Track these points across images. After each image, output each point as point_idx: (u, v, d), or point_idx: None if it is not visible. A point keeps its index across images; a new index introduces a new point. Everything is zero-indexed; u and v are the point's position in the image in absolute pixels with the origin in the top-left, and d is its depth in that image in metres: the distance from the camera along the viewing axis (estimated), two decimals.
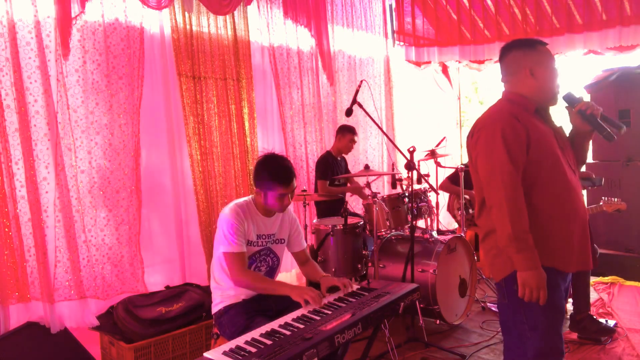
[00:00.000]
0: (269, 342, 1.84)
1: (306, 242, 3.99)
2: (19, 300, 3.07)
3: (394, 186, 4.17)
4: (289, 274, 4.68)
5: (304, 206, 3.86)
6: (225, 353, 1.78)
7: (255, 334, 1.94)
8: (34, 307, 3.13)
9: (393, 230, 4.00)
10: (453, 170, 5.03)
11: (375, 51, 5.82)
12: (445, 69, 6.52)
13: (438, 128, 6.54)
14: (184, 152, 3.94)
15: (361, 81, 3.83)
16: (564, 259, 1.92)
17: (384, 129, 5.68)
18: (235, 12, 4.23)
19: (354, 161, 5.44)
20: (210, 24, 4.07)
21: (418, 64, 6.29)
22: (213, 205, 4.01)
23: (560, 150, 1.98)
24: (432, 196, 4.41)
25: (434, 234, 3.95)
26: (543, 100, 2.02)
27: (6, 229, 3.00)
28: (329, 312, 2.14)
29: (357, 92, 3.67)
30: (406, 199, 4.04)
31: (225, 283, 2.48)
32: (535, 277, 1.81)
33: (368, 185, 4.18)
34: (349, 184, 4.70)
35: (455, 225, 5.42)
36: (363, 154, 5.63)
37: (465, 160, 6.55)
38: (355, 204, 5.18)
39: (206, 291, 3.36)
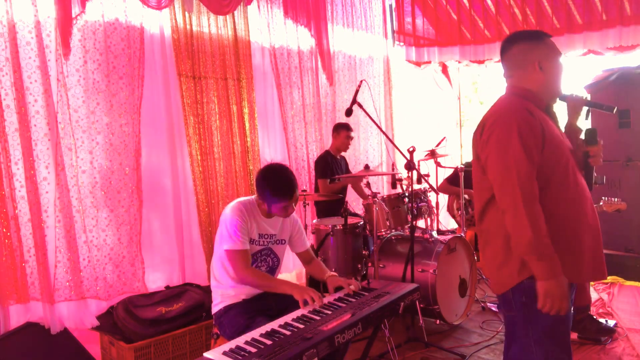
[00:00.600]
0: (269, 342, 1.84)
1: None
2: (18, 301, 3.07)
3: (394, 186, 4.17)
4: (290, 275, 4.68)
5: (304, 206, 3.86)
6: (225, 353, 1.78)
7: (255, 334, 1.94)
8: (33, 307, 3.13)
9: (393, 230, 3.99)
10: (452, 171, 5.04)
11: (375, 51, 5.82)
12: (445, 69, 6.52)
13: (438, 128, 6.54)
14: (184, 152, 3.94)
15: (361, 81, 3.83)
16: (575, 268, 1.78)
17: (384, 129, 5.68)
18: (236, 12, 4.23)
19: (355, 161, 5.44)
20: (210, 24, 4.07)
21: (418, 63, 6.29)
22: (213, 205, 4.02)
23: (571, 151, 1.87)
24: (432, 196, 4.41)
25: (434, 234, 3.95)
26: (549, 95, 1.93)
27: (5, 230, 2.99)
28: (329, 312, 2.14)
29: (357, 92, 3.67)
30: (406, 199, 4.04)
31: (226, 282, 2.48)
32: (559, 287, 1.66)
33: (368, 185, 4.18)
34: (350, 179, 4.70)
35: (455, 226, 5.42)
36: (364, 154, 5.63)
37: (465, 160, 6.55)
38: (355, 204, 5.18)
39: (206, 291, 3.36)
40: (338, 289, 2.45)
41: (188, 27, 3.91)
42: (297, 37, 4.81)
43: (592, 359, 3.14)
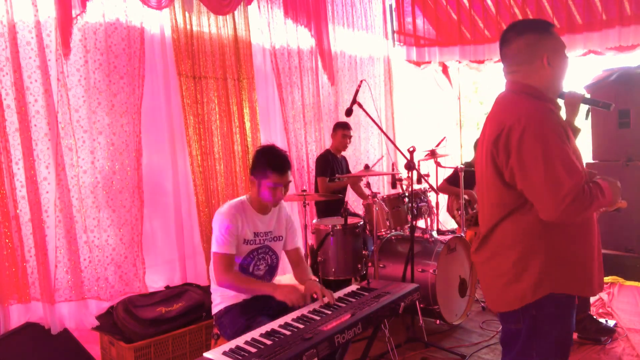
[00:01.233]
0: (269, 342, 1.84)
1: (306, 242, 4.02)
2: (19, 301, 3.07)
3: (394, 186, 4.17)
4: (290, 276, 4.67)
5: (304, 206, 3.86)
6: (225, 353, 1.78)
7: (255, 334, 1.94)
8: (34, 307, 3.14)
9: (393, 230, 3.99)
10: (452, 171, 5.03)
11: (375, 51, 5.83)
12: (445, 69, 6.52)
13: (438, 128, 6.54)
14: (184, 152, 3.95)
15: (361, 81, 3.83)
16: (586, 283, 1.71)
17: (384, 129, 5.68)
18: (236, 12, 4.24)
19: (356, 161, 5.44)
20: (210, 24, 4.07)
21: (418, 64, 6.29)
22: (214, 205, 4.02)
23: None
24: (432, 196, 4.41)
25: (434, 234, 3.95)
26: (554, 93, 1.78)
27: (6, 229, 3.00)
28: (329, 312, 2.14)
29: (357, 92, 3.67)
30: (406, 199, 4.04)
31: None
32: (617, 192, 1.70)
33: (368, 185, 4.18)
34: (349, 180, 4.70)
35: (455, 226, 5.42)
36: (365, 154, 5.63)
37: (465, 160, 6.55)
38: (355, 204, 5.18)
39: (206, 291, 3.36)
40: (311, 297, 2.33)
41: (188, 27, 3.91)
42: (297, 37, 4.82)
43: (592, 359, 3.14)
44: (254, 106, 4.40)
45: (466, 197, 4.80)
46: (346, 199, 4.55)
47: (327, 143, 4.99)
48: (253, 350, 1.78)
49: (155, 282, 3.72)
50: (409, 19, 6.19)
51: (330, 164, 4.49)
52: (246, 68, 4.33)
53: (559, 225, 1.64)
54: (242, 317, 2.36)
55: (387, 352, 3.05)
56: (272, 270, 2.63)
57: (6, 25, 2.98)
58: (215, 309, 2.51)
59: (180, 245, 3.91)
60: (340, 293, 2.40)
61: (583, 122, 2.37)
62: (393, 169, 4.83)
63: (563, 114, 1.89)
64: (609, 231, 4.82)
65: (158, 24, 3.80)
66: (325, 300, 2.25)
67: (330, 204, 4.38)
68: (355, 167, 5.33)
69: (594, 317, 3.48)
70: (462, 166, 4.45)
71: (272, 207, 2.58)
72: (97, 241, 3.40)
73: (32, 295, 3.11)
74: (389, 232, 3.98)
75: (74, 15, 3.27)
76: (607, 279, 4.58)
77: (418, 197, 4.16)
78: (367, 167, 3.97)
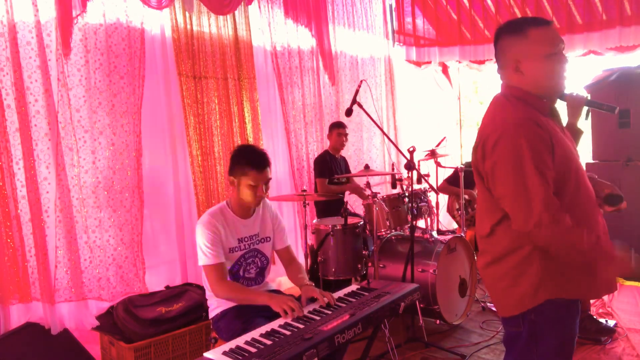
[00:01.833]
0: (268, 342, 1.84)
1: (306, 242, 4.02)
2: (20, 301, 3.07)
3: (394, 186, 4.17)
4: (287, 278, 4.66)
5: (304, 206, 3.86)
6: (225, 353, 1.78)
7: (255, 334, 1.94)
8: (34, 307, 3.14)
9: (393, 230, 3.99)
10: (452, 171, 5.04)
11: (376, 51, 5.83)
12: (445, 69, 6.52)
13: (438, 128, 6.55)
14: (185, 152, 3.95)
15: (361, 81, 3.83)
16: (590, 286, 1.66)
17: (385, 129, 5.70)
18: (236, 12, 4.24)
19: (357, 161, 5.44)
20: (211, 24, 4.07)
21: (418, 64, 6.29)
22: (213, 205, 4.01)
23: (578, 156, 1.70)
24: (432, 196, 4.41)
25: (434, 234, 3.95)
26: (543, 95, 1.68)
27: (6, 229, 3.00)
28: (329, 312, 2.14)
29: (356, 92, 3.67)
30: (406, 199, 4.04)
31: None
32: (622, 261, 1.57)
33: (368, 185, 4.18)
34: (349, 184, 4.70)
35: (455, 226, 5.42)
36: (367, 154, 5.63)
37: (465, 160, 6.55)
38: (355, 204, 5.18)
39: (205, 292, 3.36)
40: (312, 299, 2.31)
41: (188, 27, 3.91)
42: (297, 37, 4.82)
43: (592, 359, 3.14)
44: (254, 106, 4.40)
45: (466, 197, 4.81)
46: (346, 199, 4.55)
47: (328, 143, 4.99)
48: (253, 350, 1.78)
49: (156, 282, 3.71)
50: (408, 19, 6.19)
51: (329, 165, 4.49)
52: (247, 68, 4.33)
53: None
54: (239, 320, 2.34)
55: (387, 352, 3.05)
56: (262, 272, 2.59)
57: (6, 25, 2.98)
58: (212, 313, 2.50)
59: (181, 245, 3.91)
60: (340, 293, 2.39)
61: (583, 122, 2.36)
62: (393, 169, 4.84)
63: (564, 115, 1.87)
64: (609, 231, 4.82)
65: (158, 24, 3.81)
66: (326, 300, 2.23)
67: (330, 204, 4.38)
68: (356, 168, 5.33)
69: (594, 317, 3.48)
70: (462, 166, 4.46)
71: (255, 207, 2.52)
72: (98, 241, 3.40)
73: (32, 295, 3.11)
74: (389, 232, 3.98)
75: (74, 15, 3.27)
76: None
77: (418, 197, 4.16)
78: (367, 167, 3.97)
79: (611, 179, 5.14)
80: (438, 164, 4.98)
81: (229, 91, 4.19)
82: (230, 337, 2.27)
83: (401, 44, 6.23)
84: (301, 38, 4.86)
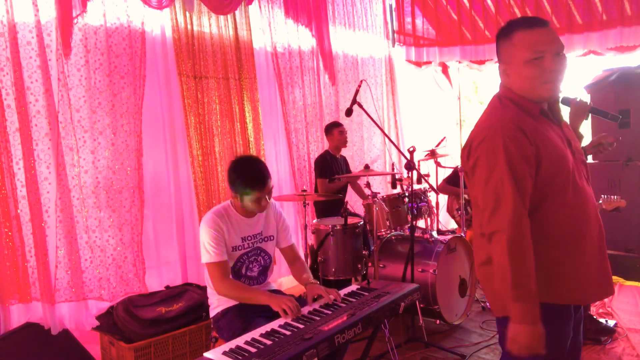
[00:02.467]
0: (268, 342, 1.85)
1: (306, 242, 4.02)
2: (20, 301, 3.07)
3: (394, 186, 4.17)
4: (289, 278, 4.67)
5: (304, 206, 3.87)
6: (225, 353, 1.78)
7: (255, 334, 1.95)
8: (34, 307, 3.14)
9: (393, 230, 4.00)
10: (451, 171, 5.04)
11: (375, 51, 5.83)
12: (445, 69, 6.52)
13: (438, 128, 6.55)
14: (185, 152, 3.95)
15: (361, 81, 3.84)
16: (580, 291, 1.62)
17: (387, 129, 5.70)
18: (237, 12, 4.24)
19: (358, 161, 5.44)
20: (211, 24, 4.07)
21: (418, 64, 6.29)
22: (214, 205, 4.01)
23: (572, 155, 1.67)
24: (432, 196, 4.41)
25: (434, 234, 3.95)
26: (534, 98, 1.65)
27: (6, 229, 3.00)
28: (329, 312, 2.14)
29: (356, 92, 3.67)
30: (406, 199, 4.04)
31: None
32: (529, 335, 1.49)
33: (368, 185, 4.18)
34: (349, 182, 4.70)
35: (455, 226, 5.42)
36: (367, 154, 5.63)
37: None
38: (355, 204, 5.18)
39: (206, 291, 3.36)
40: (318, 297, 2.35)
41: (189, 27, 3.92)
42: (298, 37, 4.82)
43: (592, 359, 3.14)
44: (255, 106, 4.40)
45: (466, 196, 4.81)
46: (346, 199, 4.55)
47: (328, 143, 4.99)
48: (253, 350, 1.79)
49: (156, 282, 3.71)
50: (408, 19, 6.19)
51: (329, 165, 4.49)
52: (247, 68, 4.33)
53: (540, 231, 1.58)
54: (239, 319, 2.35)
55: (387, 352, 3.05)
56: (265, 270, 2.60)
57: (6, 25, 2.98)
58: (212, 312, 2.51)
59: (181, 245, 3.91)
60: (320, 302, 2.36)
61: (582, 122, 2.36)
62: (393, 169, 4.84)
63: (565, 117, 1.86)
64: (609, 231, 4.80)
65: (159, 24, 3.81)
66: (332, 297, 2.27)
67: (330, 204, 4.39)
68: (357, 167, 5.33)
69: (594, 317, 3.48)
70: (461, 166, 4.46)
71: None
72: (98, 241, 3.40)
73: (32, 295, 3.11)
74: (389, 232, 3.99)
75: (74, 15, 3.27)
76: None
77: (418, 197, 4.16)
78: (367, 167, 3.98)
79: (611, 179, 5.17)
80: (438, 164, 4.98)
81: (229, 91, 4.19)
82: (230, 336, 2.28)
83: (401, 44, 6.23)
84: (301, 38, 4.86)
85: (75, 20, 3.28)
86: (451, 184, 4.91)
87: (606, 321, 3.55)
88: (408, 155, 3.54)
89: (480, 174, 1.60)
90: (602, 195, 3.70)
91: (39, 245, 3.07)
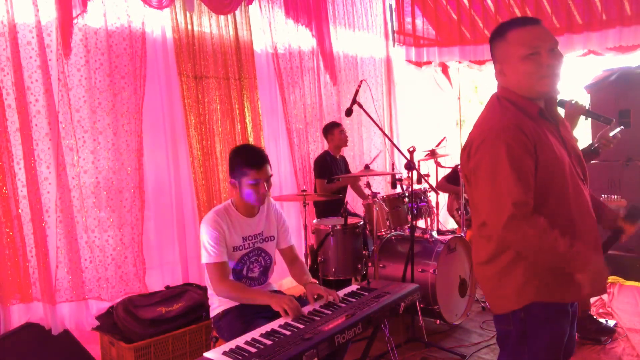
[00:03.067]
0: (268, 342, 1.85)
1: (306, 242, 4.02)
2: (21, 301, 3.07)
3: (394, 186, 4.17)
4: (289, 279, 4.67)
5: (304, 206, 3.87)
6: (225, 353, 1.78)
7: (255, 334, 1.95)
8: (35, 307, 3.14)
9: (393, 230, 4.00)
10: (450, 169, 5.04)
11: (375, 51, 5.83)
12: (445, 69, 6.52)
13: (438, 128, 6.54)
14: (186, 152, 3.95)
15: (361, 81, 3.84)
16: (574, 289, 1.64)
17: (385, 129, 5.69)
18: (237, 12, 4.24)
19: (359, 161, 5.44)
20: (212, 24, 4.07)
21: (418, 64, 6.29)
22: (215, 205, 4.01)
23: (569, 155, 1.69)
24: (432, 196, 4.41)
25: (434, 234, 3.95)
26: (531, 96, 1.67)
27: (7, 229, 3.00)
28: (329, 312, 2.14)
29: (357, 92, 3.67)
30: (406, 199, 4.04)
31: None
32: (594, 272, 1.55)
33: (368, 185, 4.19)
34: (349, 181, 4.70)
35: (455, 226, 5.42)
36: (367, 154, 5.63)
37: None
38: (356, 204, 5.18)
39: (206, 291, 3.36)
40: (317, 297, 2.34)
41: (189, 27, 3.92)
42: (298, 37, 4.82)
43: (592, 359, 3.14)
44: (255, 106, 4.40)
45: (466, 196, 4.81)
46: (346, 199, 4.55)
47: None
48: (253, 350, 1.79)
49: (156, 282, 3.72)
50: (408, 19, 6.18)
51: (329, 165, 4.49)
52: (247, 68, 4.33)
53: None
54: (240, 320, 2.34)
55: (387, 352, 3.05)
56: (266, 271, 2.60)
57: (7, 25, 2.99)
58: (213, 312, 2.50)
59: (182, 245, 3.91)
60: (340, 293, 2.39)
61: (582, 121, 2.37)
62: (393, 169, 4.84)
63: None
64: (609, 231, 4.82)
65: (159, 24, 3.81)
66: (330, 298, 2.27)
67: (330, 204, 4.39)
68: (357, 167, 5.33)
69: (594, 317, 3.48)
70: (462, 168, 4.45)
71: (260, 206, 2.52)
72: (97, 241, 3.40)
73: (33, 295, 3.11)
74: (389, 232, 3.99)
75: (74, 15, 3.27)
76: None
77: (418, 197, 4.16)
78: (367, 167, 3.98)
79: (611, 179, 5.17)
80: (438, 164, 4.98)
81: (230, 91, 4.19)
82: (230, 336, 2.28)
83: (401, 44, 6.23)
84: (302, 38, 4.86)
85: (75, 20, 3.28)
86: (451, 182, 4.91)
87: (606, 321, 3.55)
88: (408, 155, 3.54)
89: (484, 176, 1.62)
90: (602, 195, 3.71)
91: (40, 245, 3.07)
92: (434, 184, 4.63)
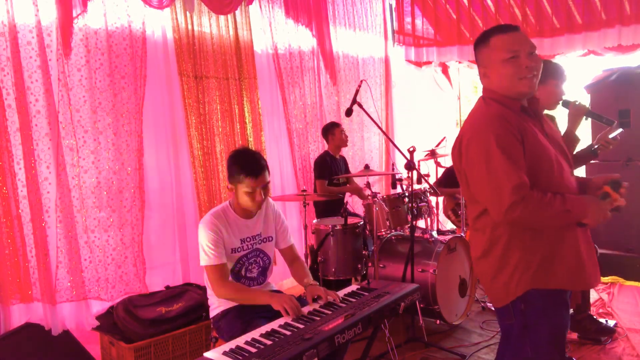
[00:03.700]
0: (268, 342, 1.85)
1: (306, 242, 4.02)
2: (21, 301, 3.07)
3: (393, 186, 4.17)
4: (290, 279, 4.67)
5: (304, 206, 3.87)
6: (225, 353, 1.78)
7: (255, 334, 1.95)
8: (35, 308, 3.14)
9: (393, 230, 4.00)
10: (442, 172, 5.03)
11: (375, 51, 5.83)
12: (445, 69, 6.52)
13: (438, 128, 6.55)
14: (186, 152, 3.95)
15: (361, 81, 3.84)
16: (574, 276, 1.73)
17: (384, 129, 5.69)
18: (237, 12, 4.24)
19: (359, 161, 5.44)
20: (212, 24, 4.07)
21: (418, 64, 6.29)
22: (215, 205, 4.01)
23: (554, 149, 1.79)
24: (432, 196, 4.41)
25: (434, 234, 3.95)
26: (514, 96, 1.79)
27: (8, 229, 3.00)
28: (329, 312, 2.14)
29: (357, 92, 3.68)
30: (406, 199, 4.04)
31: None
32: (594, 212, 1.67)
33: (368, 185, 4.19)
34: (349, 185, 4.70)
35: (452, 226, 5.42)
36: (368, 154, 5.63)
37: None
38: (355, 204, 5.18)
39: (206, 291, 3.36)
40: (317, 298, 2.33)
41: (189, 27, 3.92)
42: (298, 37, 4.82)
43: (592, 359, 3.14)
44: (256, 106, 4.40)
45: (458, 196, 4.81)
46: (346, 199, 4.55)
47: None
48: (253, 350, 1.79)
49: (156, 282, 3.71)
50: (408, 19, 6.18)
51: (329, 166, 4.49)
52: (248, 68, 4.33)
53: None
54: (239, 320, 2.34)
55: (387, 352, 3.06)
56: (264, 271, 2.59)
57: (7, 25, 2.98)
58: (212, 313, 2.50)
59: (182, 245, 3.90)
60: (340, 293, 2.39)
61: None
62: (393, 169, 4.84)
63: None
64: (609, 231, 4.82)
65: (160, 24, 3.81)
66: (330, 299, 2.27)
67: (330, 204, 4.39)
68: (357, 167, 5.33)
69: (594, 317, 3.48)
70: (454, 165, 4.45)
71: (256, 211, 2.51)
72: (97, 241, 3.40)
73: (33, 295, 3.11)
74: (389, 232, 3.99)
75: (74, 15, 3.27)
76: (607, 279, 4.58)
77: (418, 197, 4.16)
78: (367, 167, 3.98)
79: None
80: (438, 164, 4.98)
81: (230, 91, 4.19)
82: (230, 336, 2.28)
83: (401, 44, 6.23)
84: (302, 38, 4.86)
85: (75, 20, 3.28)
86: (442, 185, 4.91)
87: (606, 321, 3.55)
88: (408, 155, 3.54)
89: (480, 167, 1.71)
90: None
91: (40, 245, 3.07)
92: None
